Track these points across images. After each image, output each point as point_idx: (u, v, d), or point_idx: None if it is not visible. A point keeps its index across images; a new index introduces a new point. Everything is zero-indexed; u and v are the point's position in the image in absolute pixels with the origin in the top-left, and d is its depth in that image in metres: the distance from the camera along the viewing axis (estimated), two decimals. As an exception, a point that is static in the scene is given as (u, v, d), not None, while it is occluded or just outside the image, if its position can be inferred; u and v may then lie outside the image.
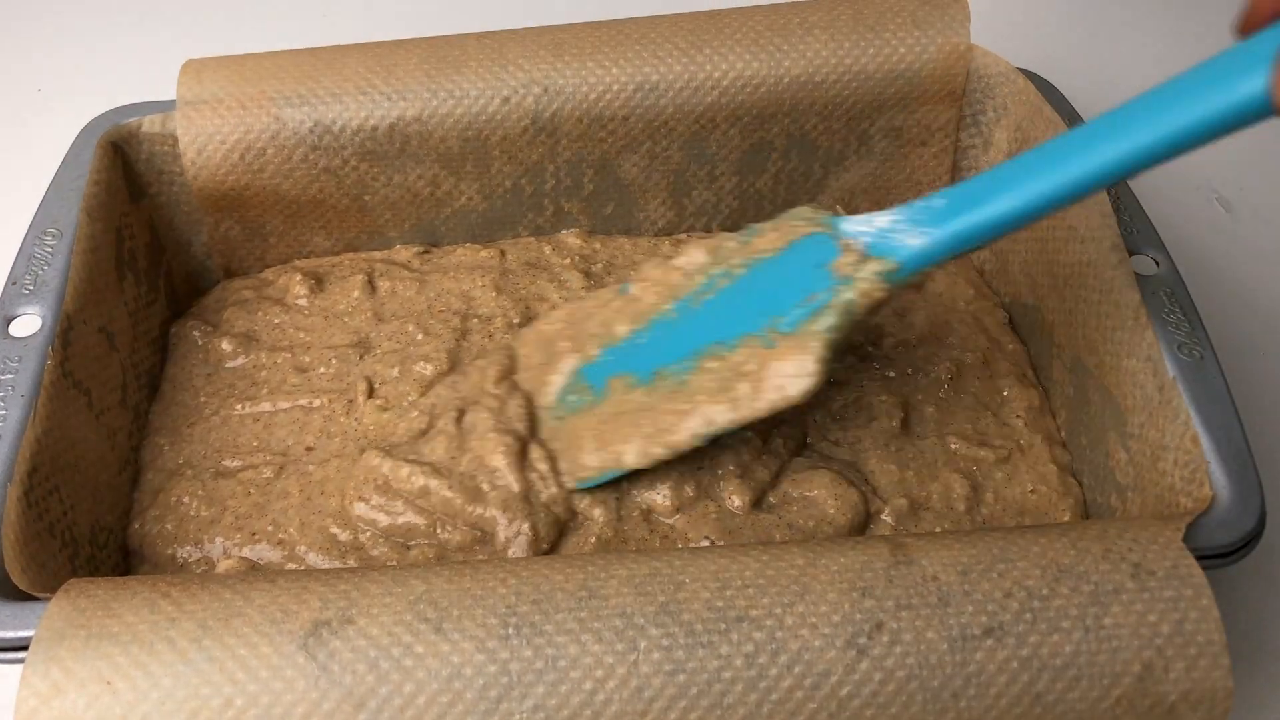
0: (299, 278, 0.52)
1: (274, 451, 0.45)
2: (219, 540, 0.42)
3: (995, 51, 0.51)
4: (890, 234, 0.38)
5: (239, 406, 0.47)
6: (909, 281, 0.38)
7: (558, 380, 0.45)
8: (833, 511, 0.42)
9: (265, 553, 0.42)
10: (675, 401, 0.41)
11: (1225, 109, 0.30)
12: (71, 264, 0.44)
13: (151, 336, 0.49)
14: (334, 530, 0.42)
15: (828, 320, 0.38)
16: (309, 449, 0.45)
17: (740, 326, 0.40)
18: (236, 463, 0.45)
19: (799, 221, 0.41)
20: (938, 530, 0.42)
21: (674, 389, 0.41)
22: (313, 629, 0.32)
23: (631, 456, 0.41)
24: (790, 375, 0.38)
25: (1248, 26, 0.30)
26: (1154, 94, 0.32)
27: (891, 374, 0.47)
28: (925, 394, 0.46)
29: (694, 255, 0.43)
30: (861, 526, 0.42)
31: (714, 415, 0.40)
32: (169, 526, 0.43)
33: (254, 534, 0.42)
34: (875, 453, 0.44)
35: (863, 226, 0.39)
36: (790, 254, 0.40)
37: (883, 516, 0.42)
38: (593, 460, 0.42)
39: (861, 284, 0.38)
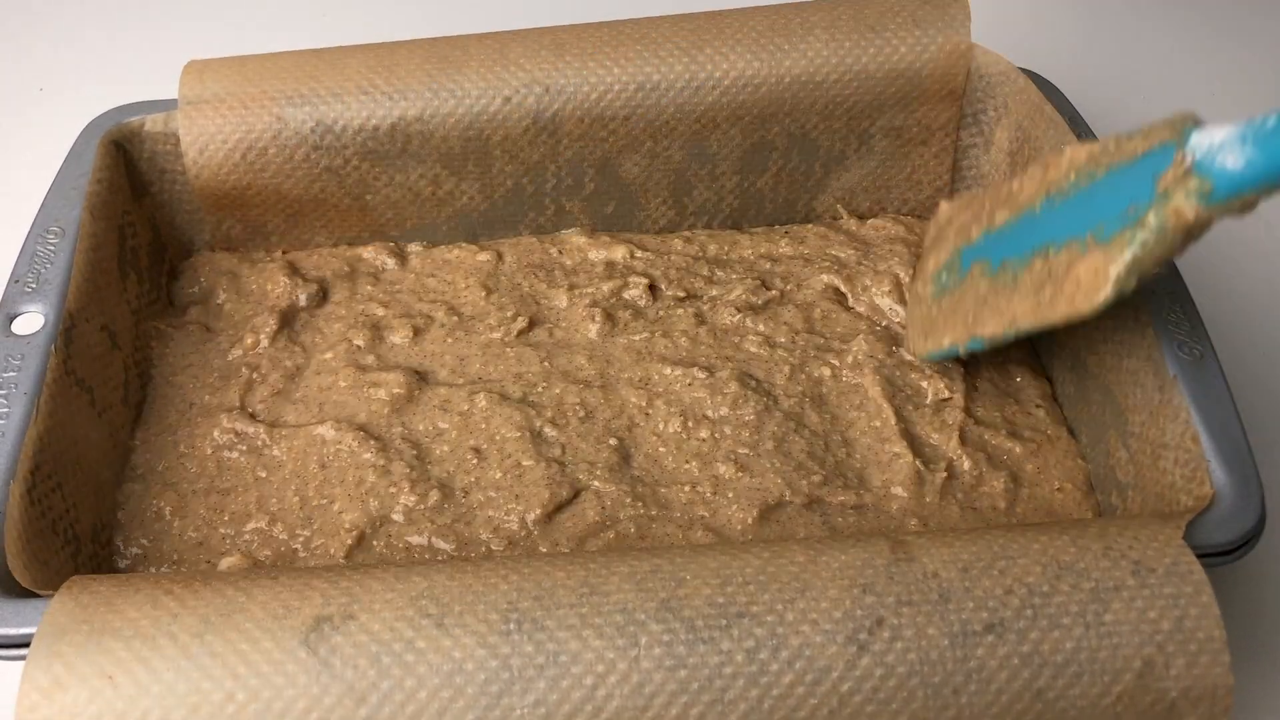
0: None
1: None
2: (201, 542, 0.43)
3: (996, 51, 0.51)
4: (1219, 150, 0.34)
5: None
6: (1229, 206, 0.34)
7: (939, 258, 0.47)
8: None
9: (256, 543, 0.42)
10: (1000, 295, 0.41)
11: None
12: (74, 262, 0.44)
13: (153, 334, 0.49)
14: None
15: (1136, 235, 0.35)
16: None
17: (1072, 229, 0.39)
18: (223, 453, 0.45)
19: (1165, 128, 0.37)
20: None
21: (1006, 282, 0.41)
22: (315, 625, 0.32)
23: (949, 340, 0.43)
24: (1085, 286, 0.37)
25: None
26: None
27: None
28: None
29: (1075, 154, 0.41)
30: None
31: (1018, 317, 0.40)
32: (151, 536, 0.43)
33: (242, 529, 0.43)
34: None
35: (1205, 138, 0.35)
36: (1142, 161, 0.37)
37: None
38: (929, 341, 0.45)
39: (1174, 201, 0.35)
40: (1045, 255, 0.40)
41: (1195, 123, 0.36)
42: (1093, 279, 0.36)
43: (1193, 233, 0.35)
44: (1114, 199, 0.37)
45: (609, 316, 0.50)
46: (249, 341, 0.49)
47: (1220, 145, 0.34)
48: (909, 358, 0.47)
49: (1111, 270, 0.36)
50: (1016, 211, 0.43)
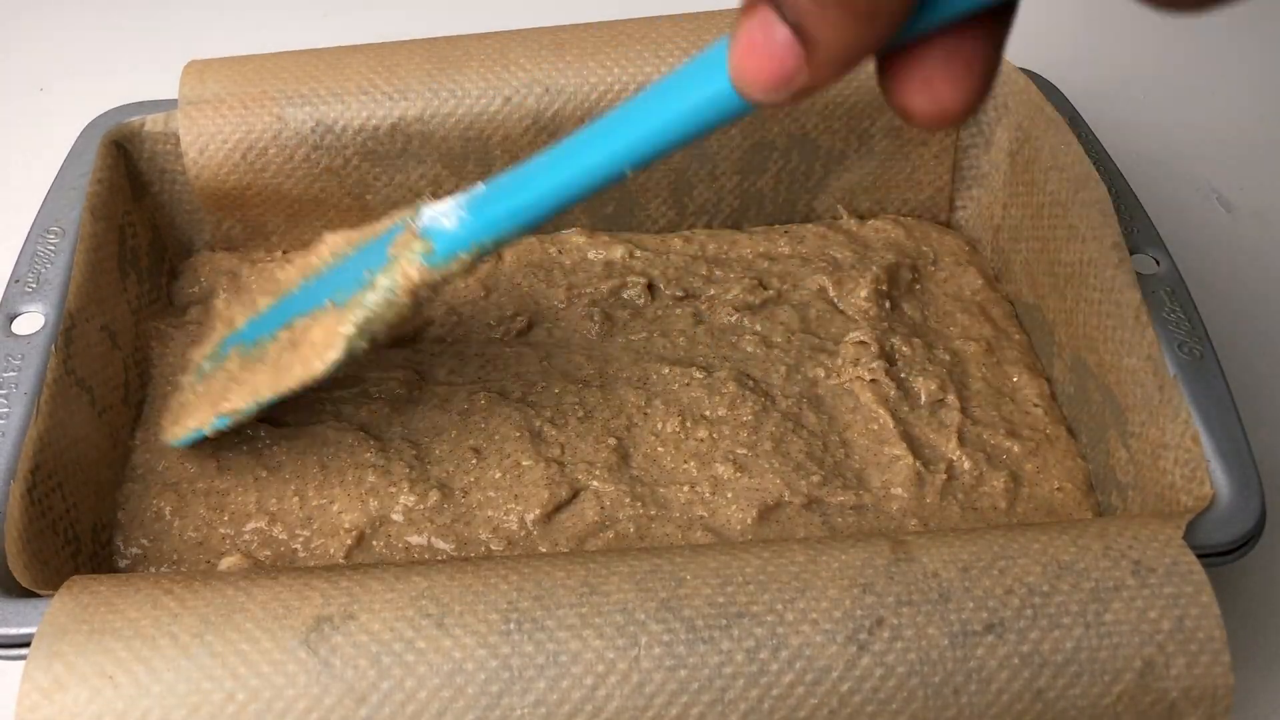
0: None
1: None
2: (201, 542, 0.43)
3: (996, 51, 0.51)
4: (440, 216, 0.38)
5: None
6: (449, 266, 0.37)
7: (203, 350, 0.47)
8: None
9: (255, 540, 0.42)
10: (249, 371, 0.42)
11: (705, 102, 0.29)
12: (74, 262, 0.44)
13: (153, 335, 0.49)
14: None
15: (367, 297, 0.38)
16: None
17: (315, 300, 0.41)
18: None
19: (407, 208, 0.40)
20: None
21: (255, 358, 0.43)
22: (315, 624, 0.32)
23: (195, 421, 0.43)
24: (319, 345, 0.39)
25: None
26: (660, 86, 0.31)
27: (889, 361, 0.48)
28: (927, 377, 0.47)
29: (334, 239, 0.44)
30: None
31: (260, 387, 0.41)
32: (150, 536, 0.43)
33: (241, 529, 0.43)
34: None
35: (431, 209, 0.38)
36: (383, 236, 0.40)
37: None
38: (178, 427, 0.44)
39: (400, 263, 0.38)
40: (290, 326, 0.42)
41: (429, 201, 0.39)
42: (326, 339, 0.39)
43: (418, 291, 0.38)
44: (355, 270, 0.40)
45: (608, 316, 0.50)
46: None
47: (441, 213, 0.38)
48: (897, 359, 0.47)
49: (341, 329, 0.38)
50: (277, 296, 0.45)
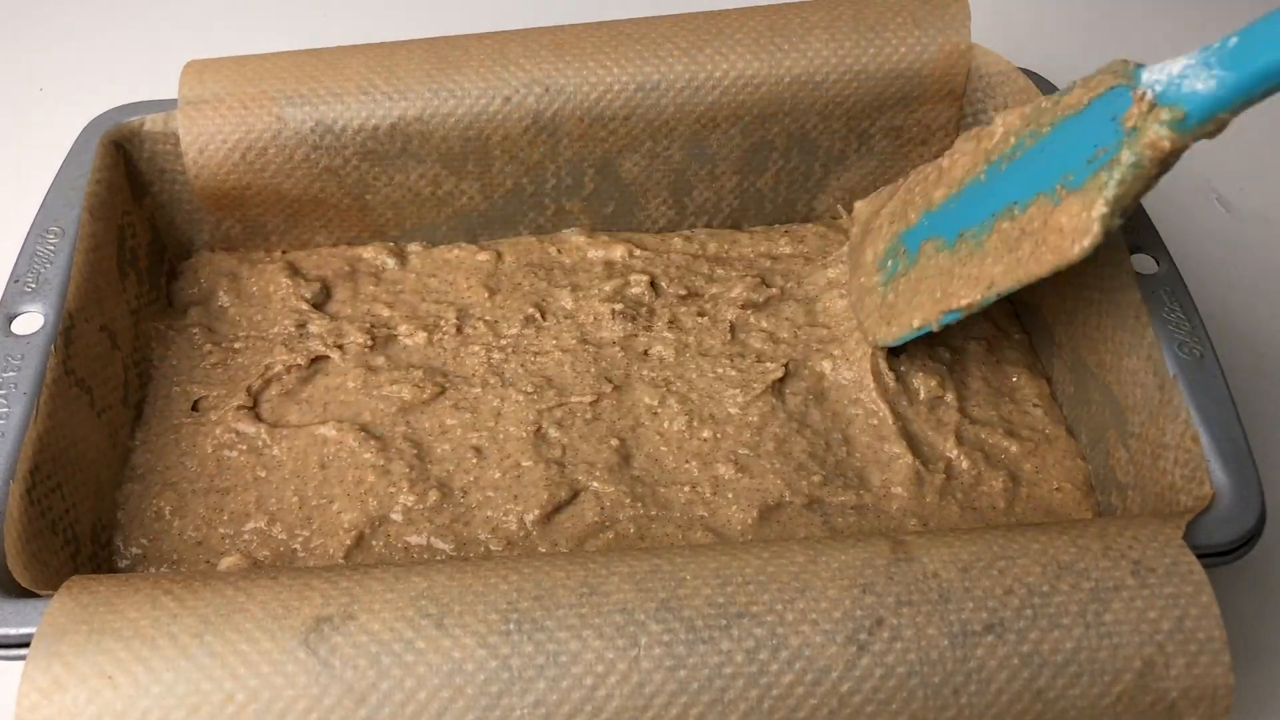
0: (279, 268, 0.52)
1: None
2: (201, 542, 0.43)
3: (996, 51, 0.51)
4: (1181, 79, 0.35)
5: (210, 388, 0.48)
6: (1200, 131, 0.35)
7: (877, 248, 0.47)
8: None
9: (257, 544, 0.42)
10: (968, 264, 0.42)
11: None
12: (73, 262, 0.44)
13: (153, 335, 0.49)
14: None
15: (1113, 175, 0.36)
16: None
17: (1035, 186, 0.40)
18: (225, 453, 0.45)
19: (1107, 75, 0.38)
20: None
21: (971, 251, 0.42)
22: (314, 625, 0.32)
23: (918, 320, 0.43)
24: (1070, 232, 0.37)
25: None
26: None
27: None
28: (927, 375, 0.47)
29: (1009, 119, 0.43)
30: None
31: (996, 277, 0.40)
32: (150, 536, 0.43)
33: (241, 529, 0.43)
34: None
35: (1158, 74, 0.36)
36: (1091, 109, 0.38)
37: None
38: (894, 327, 0.44)
39: (1147, 135, 0.36)
40: (1011, 215, 0.40)
41: (1135, 65, 0.37)
42: (1076, 223, 0.37)
43: (1167, 162, 0.36)
44: (1074, 148, 0.38)
45: (613, 315, 0.50)
46: (269, 350, 0.49)
47: (1182, 74, 0.35)
48: (900, 354, 0.47)
49: (1095, 211, 0.37)
50: (957, 186, 0.44)
